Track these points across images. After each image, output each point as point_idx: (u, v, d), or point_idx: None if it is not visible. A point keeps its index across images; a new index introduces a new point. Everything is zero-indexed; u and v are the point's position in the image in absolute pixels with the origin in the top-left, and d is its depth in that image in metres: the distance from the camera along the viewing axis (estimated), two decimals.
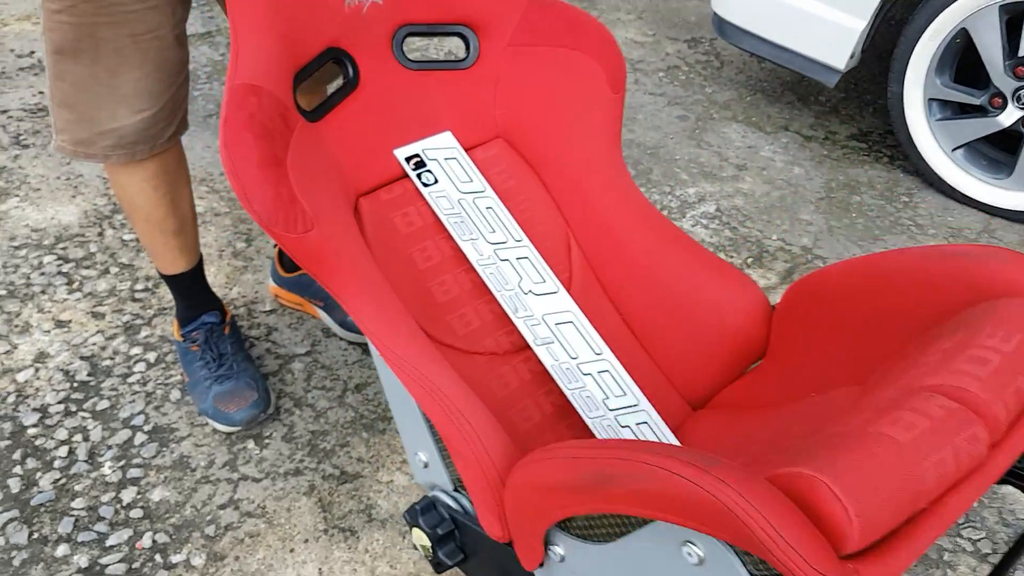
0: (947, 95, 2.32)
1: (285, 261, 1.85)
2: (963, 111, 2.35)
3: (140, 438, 1.59)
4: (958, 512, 0.75)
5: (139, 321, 1.82)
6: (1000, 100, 2.23)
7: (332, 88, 1.25)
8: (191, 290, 1.66)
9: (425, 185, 1.14)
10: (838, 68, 2.39)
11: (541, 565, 0.93)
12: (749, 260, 2.11)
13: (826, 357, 1.11)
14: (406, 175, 1.17)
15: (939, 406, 0.77)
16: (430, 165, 1.15)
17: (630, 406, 1.11)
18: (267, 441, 1.59)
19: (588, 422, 1.08)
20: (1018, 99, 2.20)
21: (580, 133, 1.24)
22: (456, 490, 1.05)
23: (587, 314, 1.21)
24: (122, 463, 1.54)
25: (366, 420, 1.64)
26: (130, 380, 1.70)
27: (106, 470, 1.53)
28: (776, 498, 0.65)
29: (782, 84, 2.98)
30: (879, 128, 2.72)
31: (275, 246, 1.87)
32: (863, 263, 1.08)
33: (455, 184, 1.16)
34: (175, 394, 1.67)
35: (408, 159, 1.16)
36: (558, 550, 0.90)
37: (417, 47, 3.00)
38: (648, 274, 1.23)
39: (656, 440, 1.09)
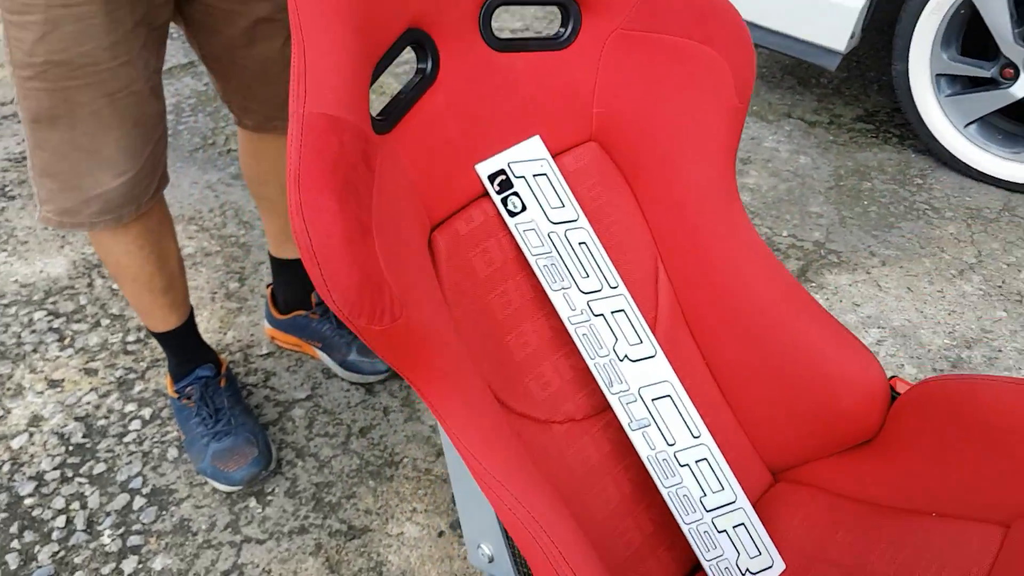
0: (955, 69, 2.22)
1: (279, 301, 1.79)
2: (973, 85, 2.25)
3: (139, 502, 1.53)
4: None
5: (132, 375, 1.77)
6: (1012, 71, 2.13)
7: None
8: (183, 345, 1.60)
9: (512, 214, 0.96)
10: (839, 50, 2.29)
11: None
12: None
13: (958, 475, 0.97)
14: (486, 193, 0.97)
15: None
16: (517, 185, 0.97)
17: (728, 504, 1.00)
18: (270, 498, 1.53)
19: (684, 529, 0.96)
20: None
21: (693, 144, 1.03)
22: None
23: (671, 361, 1.06)
24: (121, 531, 1.48)
25: (372, 467, 1.58)
26: (126, 440, 1.64)
27: (105, 539, 1.47)
28: None
29: (781, 68, 2.88)
30: (886, 106, 2.62)
31: (268, 285, 1.81)
32: (1010, 390, 0.93)
33: (545, 212, 0.98)
34: (172, 452, 1.61)
35: (492, 177, 0.96)
36: None
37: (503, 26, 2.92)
38: (750, 326, 1.05)
39: (755, 542, 0.98)
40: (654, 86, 1.02)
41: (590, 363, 0.96)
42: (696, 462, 0.99)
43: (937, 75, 2.24)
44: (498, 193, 0.95)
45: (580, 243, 0.98)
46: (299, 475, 1.57)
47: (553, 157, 1.01)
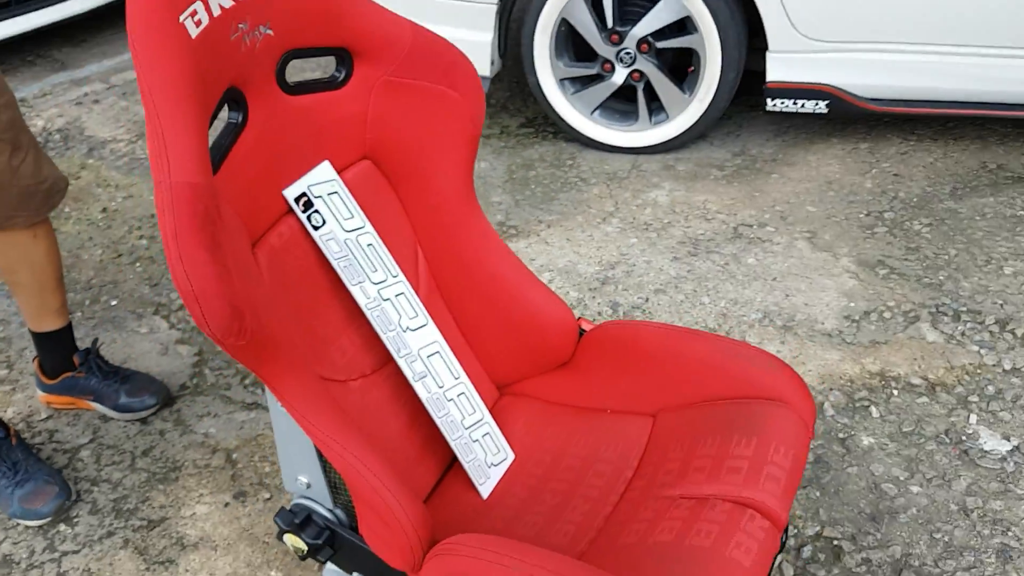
0: (572, 73, 2.84)
1: (46, 369, 2.03)
2: (589, 81, 2.87)
3: None
4: None
5: None
6: (609, 65, 2.77)
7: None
8: None
9: (316, 228, 1.24)
10: (485, 75, 2.84)
11: None
12: None
13: (621, 384, 1.44)
14: (290, 211, 1.23)
15: (759, 527, 1.14)
16: (316, 204, 1.24)
17: (479, 422, 1.40)
18: (76, 520, 1.78)
19: (452, 444, 1.34)
20: (621, 60, 2.75)
21: (441, 161, 1.39)
22: (336, 506, 1.27)
23: (429, 311, 1.39)
24: None
25: (159, 475, 1.87)
26: None
27: None
28: None
29: None
30: (541, 113, 3.22)
31: (34, 358, 2.04)
32: (673, 334, 1.42)
33: (340, 223, 1.27)
34: None
35: (297, 199, 1.24)
36: None
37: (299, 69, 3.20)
38: (484, 287, 1.44)
39: (495, 444, 1.39)
40: (412, 117, 1.37)
41: (383, 336, 1.31)
42: (458, 396, 1.39)
43: (561, 79, 2.85)
44: (303, 212, 1.26)
45: (368, 245, 1.33)
46: (97, 497, 1.83)
47: (339, 172, 1.33)
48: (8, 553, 1.73)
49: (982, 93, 2.53)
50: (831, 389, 1.91)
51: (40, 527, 1.77)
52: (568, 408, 1.49)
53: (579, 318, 1.53)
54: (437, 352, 1.37)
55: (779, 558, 1.57)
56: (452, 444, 1.36)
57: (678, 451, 1.33)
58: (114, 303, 2.43)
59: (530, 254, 2.44)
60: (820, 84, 2.61)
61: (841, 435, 1.80)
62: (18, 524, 1.78)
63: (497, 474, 1.41)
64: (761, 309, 2.16)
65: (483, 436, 1.41)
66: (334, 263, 1.27)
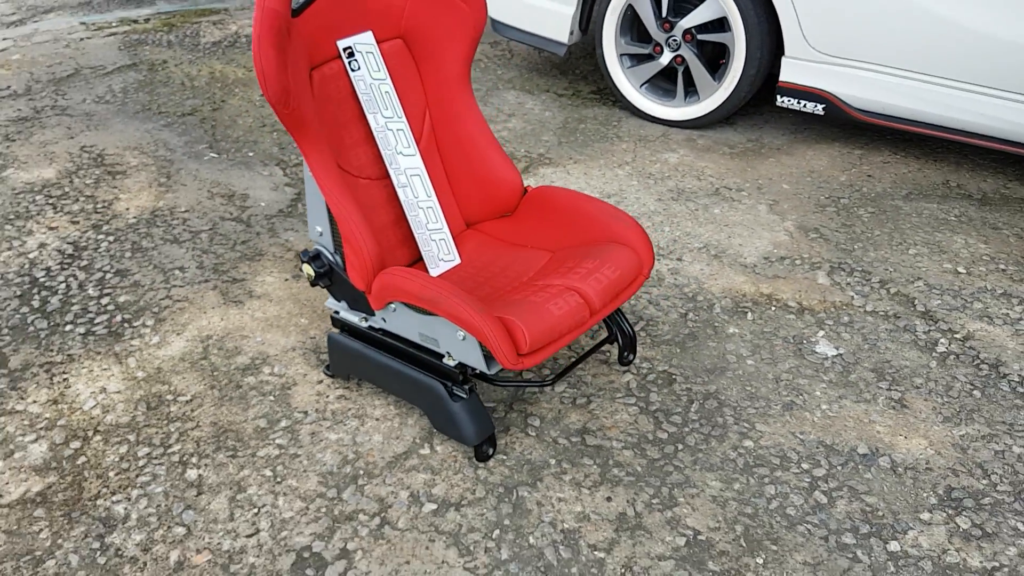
0: (629, 50, 3.52)
1: None
2: (641, 60, 3.54)
3: (109, 276, 2.63)
4: (570, 340, 1.90)
5: (102, 223, 2.88)
6: (659, 48, 3.44)
7: None
8: None
9: (352, 70, 2.01)
10: (563, 42, 3.57)
11: (381, 309, 1.95)
12: None
13: (540, 230, 2.17)
14: (340, 58, 2.02)
15: (575, 300, 1.85)
16: (357, 56, 2.02)
17: (438, 229, 2.17)
18: (187, 269, 2.65)
19: (416, 234, 2.09)
20: (668, 45, 3.41)
21: (450, 50, 2.13)
22: (335, 252, 2.07)
23: (425, 158, 2.16)
24: (100, 287, 2.58)
25: (249, 255, 2.72)
26: (99, 251, 2.74)
27: (90, 291, 2.57)
28: (498, 326, 1.72)
29: (552, 65, 4.18)
30: (608, 86, 3.91)
31: None
32: (572, 195, 2.13)
33: (369, 72, 2.04)
34: (128, 254, 2.72)
35: (345, 49, 2.01)
36: (394, 306, 1.93)
37: None
38: (467, 147, 2.18)
39: (446, 245, 2.14)
40: (434, 17, 2.12)
41: (384, 153, 2.09)
42: (426, 208, 2.16)
43: (620, 55, 3.54)
44: (347, 58, 2.06)
45: (385, 92, 2.12)
46: (204, 260, 2.70)
47: (378, 44, 2.11)
48: (139, 280, 2.62)
49: (958, 121, 3.04)
50: (725, 297, 2.54)
51: (163, 271, 2.65)
52: (504, 242, 2.21)
53: (527, 186, 2.24)
54: (417, 175, 2.12)
55: (613, 351, 2.23)
56: (416, 236, 2.11)
57: (556, 267, 2.03)
58: (251, 155, 3.32)
59: (552, 179, 3.16)
60: (820, 89, 3.19)
61: (716, 325, 2.44)
62: (146, 270, 2.67)
63: (445, 267, 2.15)
64: (705, 241, 2.80)
65: (439, 240, 2.15)
66: (360, 95, 2.04)
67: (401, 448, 2.03)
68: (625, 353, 2.24)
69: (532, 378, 2.22)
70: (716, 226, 2.88)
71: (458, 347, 1.86)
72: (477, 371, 1.94)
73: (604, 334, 2.40)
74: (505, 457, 2.00)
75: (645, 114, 3.56)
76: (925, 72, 3.00)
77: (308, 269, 2.06)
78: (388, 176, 2.12)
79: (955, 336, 2.39)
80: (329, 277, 2.07)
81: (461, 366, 1.92)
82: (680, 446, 2.04)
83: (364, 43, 2.04)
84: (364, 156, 2.08)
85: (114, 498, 1.91)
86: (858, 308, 2.50)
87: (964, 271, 2.66)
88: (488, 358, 1.86)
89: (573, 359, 2.18)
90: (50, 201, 3.00)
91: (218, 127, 3.52)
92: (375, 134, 2.06)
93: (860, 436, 2.07)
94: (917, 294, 2.56)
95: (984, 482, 1.94)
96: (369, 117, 2.05)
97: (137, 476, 1.96)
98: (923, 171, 3.25)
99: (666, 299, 2.54)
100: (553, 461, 1.99)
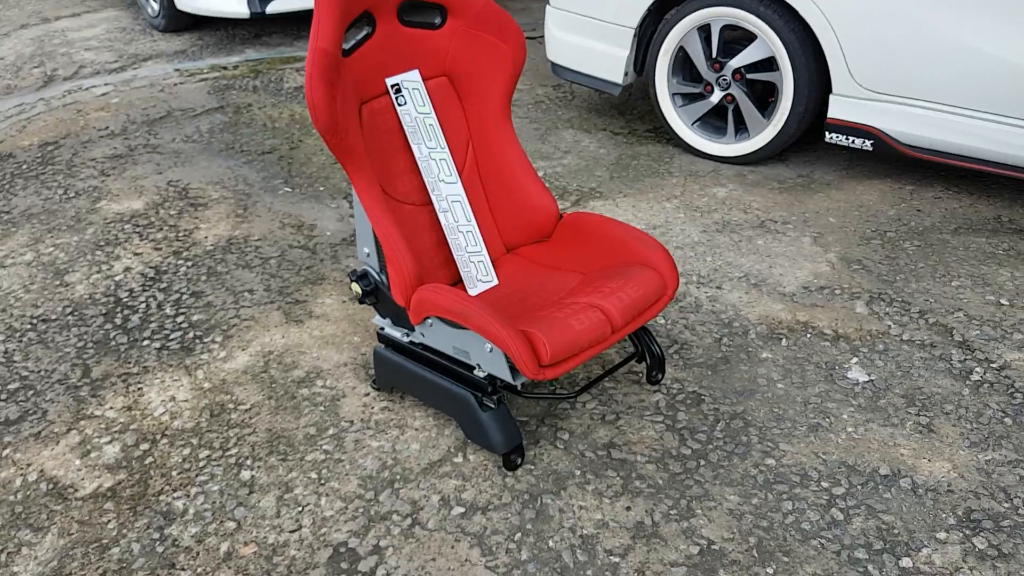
0: (681, 89, 3.64)
1: None
2: (693, 99, 3.66)
3: (185, 297, 2.87)
4: (592, 354, 2.03)
5: (183, 250, 3.13)
6: (710, 87, 3.55)
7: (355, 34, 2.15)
8: None
9: (399, 105, 2.22)
10: (618, 83, 3.72)
11: (419, 323, 2.12)
12: (558, 192, 3.40)
13: (573, 254, 2.30)
14: (388, 94, 2.21)
15: (596, 316, 1.98)
16: (403, 92, 2.23)
17: (477, 251, 2.34)
18: (255, 292, 2.87)
19: (456, 256, 2.26)
20: (719, 84, 3.52)
21: (490, 86, 2.31)
22: (380, 272, 2.25)
23: (467, 186, 2.33)
24: (176, 307, 2.82)
25: (311, 279, 2.92)
26: (178, 274, 2.99)
27: (168, 311, 2.81)
28: (521, 338, 1.86)
29: (611, 106, 4.32)
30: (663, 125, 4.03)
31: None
32: (601, 220, 2.27)
33: (415, 107, 2.24)
34: (204, 278, 2.96)
35: (392, 86, 2.21)
36: (431, 321, 2.09)
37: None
38: (506, 178, 2.34)
39: (485, 267, 2.30)
40: (476, 55, 2.30)
41: (427, 181, 2.26)
42: (466, 232, 2.32)
43: (673, 94, 3.66)
44: (394, 93, 2.26)
45: (429, 124, 2.31)
46: (271, 284, 2.91)
47: (424, 81, 2.31)
48: (212, 301, 2.84)
49: (1008, 156, 3.05)
50: (761, 324, 2.61)
51: (233, 294, 2.88)
52: (540, 265, 2.35)
53: (562, 213, 2.38)
54: (458, 201, 2.28)
55: (644, 371, 2.32)
56: (456, 258, 2.27)
57: (584, 287, 2.15)
58: (321, 189, 3.55)
59: (600, 210, 3.28)
60: (867, 125, 3.24)
61: (749, 350, 2.50)
62: (252, 294, 2.90)
63: (483, 287, 2.30)
64: (745, 271, 2.87)
65: (478, 262, 2.30)
66: (405, 127, 2.22)
67: (436, 456, 2.16)
68: (653, 372, 2.33)
69: (558, 391, 2.33)
70: (758, 256, 2.95)
71: (486, 359, 2.00)
72: (505, 382, 2.07)
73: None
74: (533, 467, 2.11)
75: (697, 151, 3.66)
76: (973, 107, 3.03)
77: (356, 287, 2.23)
78: (431, 202, 2.28)
79: (991, 365, 2.40)
80: (375, 295, 2.24)
81: (490, 377, 2.05)
82: (702, 462, 2.11)
83: (411, 80, 2.23)
84: (409, 183, 2.26)
85: (175, 494, 2.09)
86: (894, 337, 2.53)
87: (1007, 303, 2.66)
88: (514, 370, 1.98)
89: (598, 376, 2.29)
90: (137, 230, 3.28)
91: (294, 164, 3.78)
92: (419, 163, 2.23)
93: (883, 458, 2.10)
94: (956, 324, 2.57)
95: (1006, 505, 1.96)
96: (414, 147, 2.22)
97: (196, 475, 2.15)
98: (975, 206, 3.25)
99: (702, 324, 2.62)
100: (578, 472, 2.09)
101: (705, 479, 2.06)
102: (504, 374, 1.98)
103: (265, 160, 3.83)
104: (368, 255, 2.23)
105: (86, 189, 3.61)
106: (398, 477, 2.10)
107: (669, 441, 2.18)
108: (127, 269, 3.03)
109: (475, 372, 2.07)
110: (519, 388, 2.08)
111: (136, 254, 3.13)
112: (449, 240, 2.26)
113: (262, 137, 4.07)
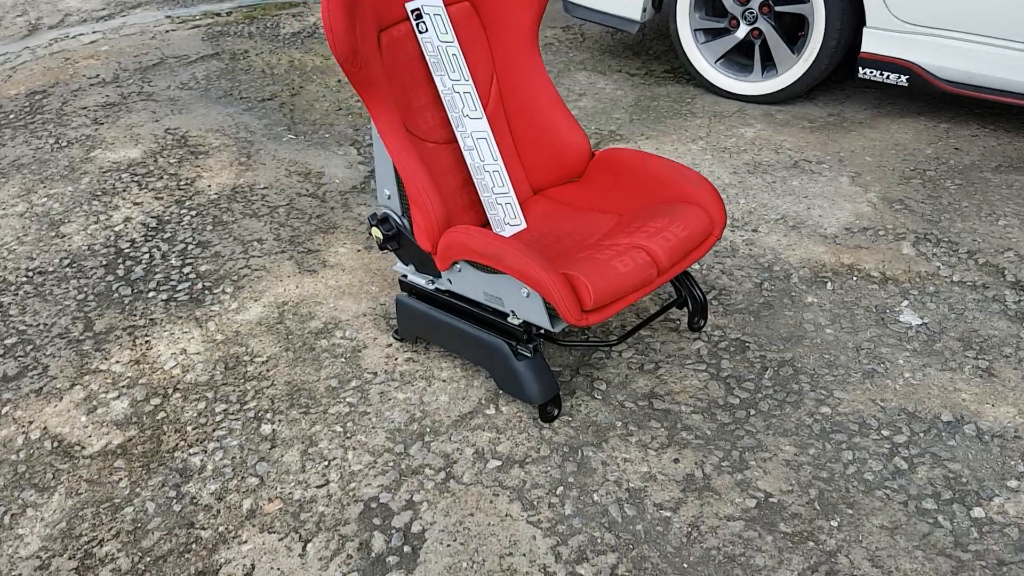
0: (704, 24, 3.46)
1: None
2: (716, 34, 3.48)
3: (191, 247, 2.71)
4: (636, 298, 1.81)
5: (184, 198, 2.97)
6: (735, 21, 3.37)
7: None
8: None
9: (420, 32, 2.02)
10: (636, 19, 3.54)
11: (447, 269, 1.96)
12: None
13: (608, 194, 2.14)
14: (408, 20, 2.02)
15: (642, 258, 1.82)
16: (425, 18, 2.02)
17: (504, 193, 2.18)
18: (264, 242, 2.71)
19: (482, 198, 2.09)
20: (745, 18, 3.34)
21: (517, 11, 2.13)
22: (403, 215, 2.08)
23: (492, 122, 2.15)
24: (182, 258, 2.66)
25: (323, 228, 2.77)
26: (182, 224, 2.83)
27: (173, 261, 2.65)
28: (563, 281, 1.70)
29: (624, 47, 4.14)
30: (682, 65, 3.85)
31: None
32: (638, 155, 2.10)
33: (437, 34, 2.04)
34: (209, 227, 2.80)
35: (413, 11, 2.03)
36: (459, 266, 1.93)
37: None
38: (534, 111, 2.17)
39: (512, 209, 2.14)
40: None
41: (451, 116, 2.09)
42: (492, 172, 2.15)
43: (695, 29, 3.48)
44: (415, 20, 2.07)
45: (452, 54, 2.13)
46: (281, 233, 2.75)
47: (445, 6, 2.11)
48: (219, 251, 2.69)
49: None
50: (803, 267, 2.47)
51: (242, 243, 2.72)
52: (572, 207, 2.19)
53: (595, 149, 2.22)
54: (484, 138, 2.12)
55: (683, 318, 2.19)
56: (483, 200, 2.11)
57: (623, 228, 2.00)
58: (327, 136, 3.38)
59: None
60: (903, 60, 3.08)
61: (793, 295, 2.37)
62: (231, 236, 2.74)
63: (511, 231, 2.15)
64: (782, 212, 2.73)
65: (505, 204, 2.14)
66: (427, 57, 2.05)
67: (467, 408, 2.03)
68: (695, 319, 2.20)
69: (591, 339, 2.20)
70: (794, 198, 2.81)
71: (522, 305, 1.85)
72: (542, 330, 1.93)
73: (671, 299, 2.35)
74: (570, 419, 1.98)
75: (721, 90, 3.49)
76: (1016, 39, 2.87)
77: (376, 232, 2.08)
78: (455, 140, 2.12)
79: None
80: (397, 240, 2.09)
81: (525, 324, 1.91)
82: (752, 411, 1.98)
83: (432, 5, 2.05)
84: (432, 119, 2.09)
85: (191, 450, 1.96)
86: (944, 278, 2.40)
87: None
88: (552, 316, 1.84)
89: (639, 324, 2.15)
90: (136, 179, 3.11)
91: (296, 111, 3.59)
92: (442, 96, 2.06)
93: (944, 404, 1.98)
94: (1007, 264, 2.44)
95: None
96: (436, 79, 2.05)
97: (214, 430, 2.01)
98: (1013, 144, 3.10)
99: (740, 269, 2.48)
100: (619, 423, 1.96)
101: (756, 429, 1.93)
102: (542, 320, 1.84)
103: (266, 107, 3.65)
104: (389, 197, 2.07)
105: (79, 138, 3.42)
106: (428, 430, 1.97)
107: (715, 390, 2.05)
108: (127, 219, 2.87)
109: (509, 319, 1.93)
110: (558, 335, 1.94)
111: (136, 204, 2.96)
112: (475, 180, 2.10)
113: (261, 84, 3.88)
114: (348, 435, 1.97)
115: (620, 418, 1.98)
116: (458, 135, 2.08)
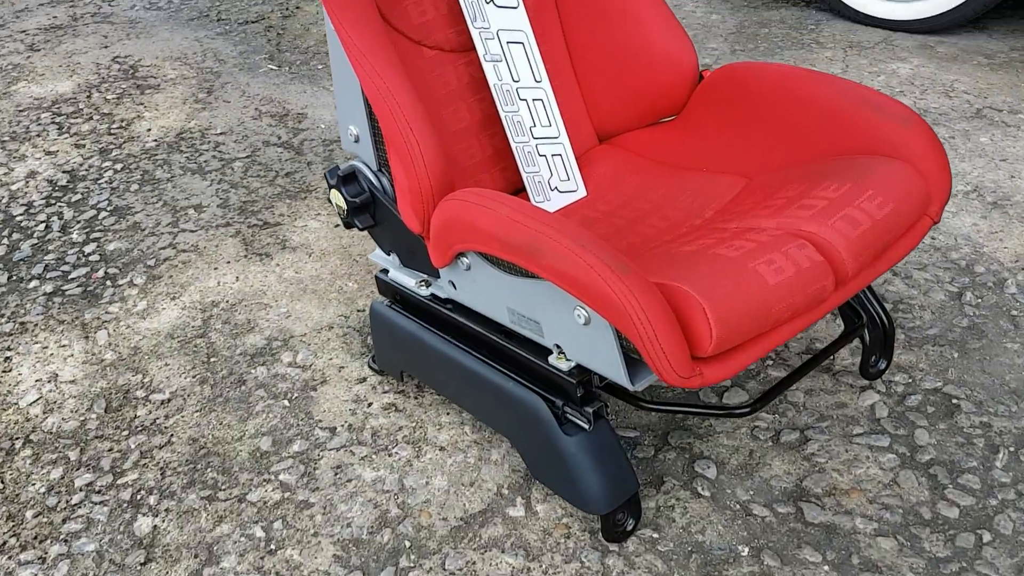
0: None
1: None
2: None
3: (103, 215, 1.90)
4: (796, 331, 0.93)
5: (112, 147, 2.15)
6: None
7: None
8: None
9: None
10: None
11: (448, 264, 1.10)
12: None
13: (727, 141, 1.25)
14: None
15: (807, 256, 0.93)
16: None
17: (551, 138, 1.30)
18: (204, 208, 1.89)
19: (513, 147, 1.22)
20: None
21: None
22: (380, 169, 1.21)
23: (534, 18, 1.28)
24: (87, 230, 1.85)
25: (290, 192, 1.93)
26: (100, 182, 2.02)
27: (74, 236, 1.84)
28: (659, 304, 0.84)
29: None
30: None
31: None
32: (791, 72, 1.20)
33: None
34: (135, 186, 1.98)
35: None
36: (467, 261, 1.08)
37: None
38: (602, 5, 1.29)
39: (565, 165, 1.28)
40: None
41: (463, 2, 1.22)
42: (533, 100, 1.28)
43: None
44: None
45: None
46: (231, 197, 1.92)
47: None
48: (139, 221, 1.86)
49: None
50: (1022, 269, 1.56)
51: (173, 206, 1.89)
52: (660, 164, 1.32)
53: (703, 70, 1.33)
54: (521, 43, 1.25)
55: (843, 354, 1.30)
56: (513, 146, 1.24)
57: (761, 199, 1.12)
58: (320, 67, 2.53)
59: None
60: None
61: (1014, 312, 1.46)
62: (158, 201, 1.91)
63: (561, 201, 1.28)
64: (974, 183, 1.81)
65: (552, 155, 1.27)
66: None
67: (477, 503, 1.18)
68: (873, 357, 1.31)
69: (712, 400, 1.33)
70: (987, 161, 1.88)
71: (576, 338, 0.99)
72: (609, 382, 1.07)
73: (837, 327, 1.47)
74: (656, 536, 1.12)
75: (857, 13, 2.55)
76: None
77: (336, 197, 1.24)
78: (471, 46, 1.26)
79: None
80: (370, 212, 1.25)
81: (581, 371, 1.05)
82: (986, 535, 1.10)
83: None
84: (431, 6, 1.23)
85: (22, 557, 1.16)
86: None
87: None
88: (633, 360, 0.98)
89: (798, 368, 1.28)
90: (57, 120, 2.30)
91: (285, 36, 2.75)
92: None
93: None
94: None
95: None
96: None
97: (64, 521, 1.20)
98: None
99: (922, 269, 1.58)
100: (746, 551, 1.10)
101: (999, 569, 1.05)
102: (614, 371, 0.97)
103: (247, 31, 2.81)
104: (357, 140, 1.22)
105: (3, 67, 2.63)
106: (408, 545, 1.13)
107: (911, 488, 1.17)
108: (31, 174, 2.07)
109: (552, 360, 1.07)
110: (639, 394, 1.08)
111: (48, 153, 2.15)
112: (502, 117, 1.24)
113: (248, 3, 3.04)
114: (272, 547, 1.14)
115: (747, 539, 1.11)
116: (475, 36, 1.22)
